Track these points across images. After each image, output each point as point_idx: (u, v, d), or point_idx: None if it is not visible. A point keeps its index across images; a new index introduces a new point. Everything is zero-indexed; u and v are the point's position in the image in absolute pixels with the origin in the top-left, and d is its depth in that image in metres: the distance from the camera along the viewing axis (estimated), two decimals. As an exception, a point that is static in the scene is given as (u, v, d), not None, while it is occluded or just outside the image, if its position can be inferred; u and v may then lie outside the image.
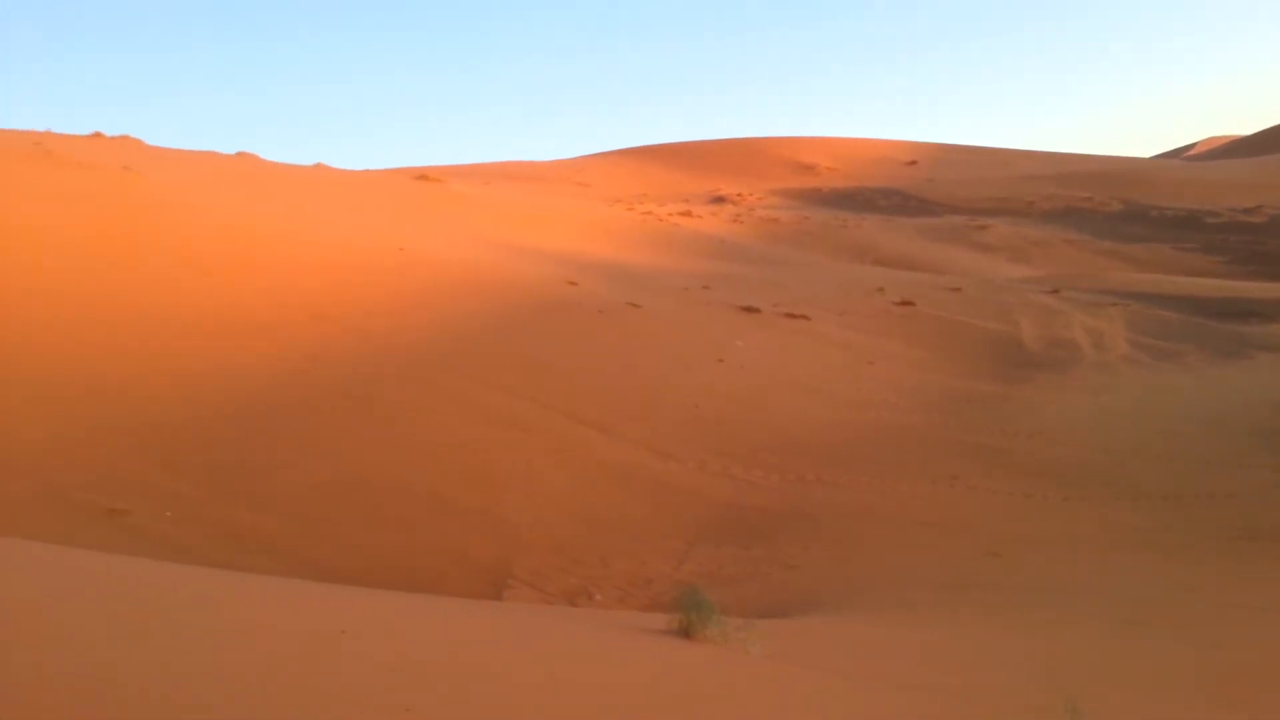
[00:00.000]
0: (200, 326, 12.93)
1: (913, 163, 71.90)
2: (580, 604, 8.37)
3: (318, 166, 36.80)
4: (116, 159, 23.15)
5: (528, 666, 4.26)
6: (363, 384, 12.58)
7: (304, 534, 8.84)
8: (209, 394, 11.08)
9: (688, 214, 45.79)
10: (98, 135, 30.40)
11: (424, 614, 5.47)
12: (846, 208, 54.48)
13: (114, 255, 14.56)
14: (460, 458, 11.20)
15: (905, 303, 26.19)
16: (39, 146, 22.30)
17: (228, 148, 45.38)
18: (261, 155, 35.02)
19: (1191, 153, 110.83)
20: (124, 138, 30.87)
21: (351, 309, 15.40)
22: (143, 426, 9.87)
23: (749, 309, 22.66)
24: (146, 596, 4.40)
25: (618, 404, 14.01)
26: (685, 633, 5.36)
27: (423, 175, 41.41)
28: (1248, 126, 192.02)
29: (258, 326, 13.51)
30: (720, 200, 54.54)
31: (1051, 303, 27.91)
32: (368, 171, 43.53)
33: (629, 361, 16.57)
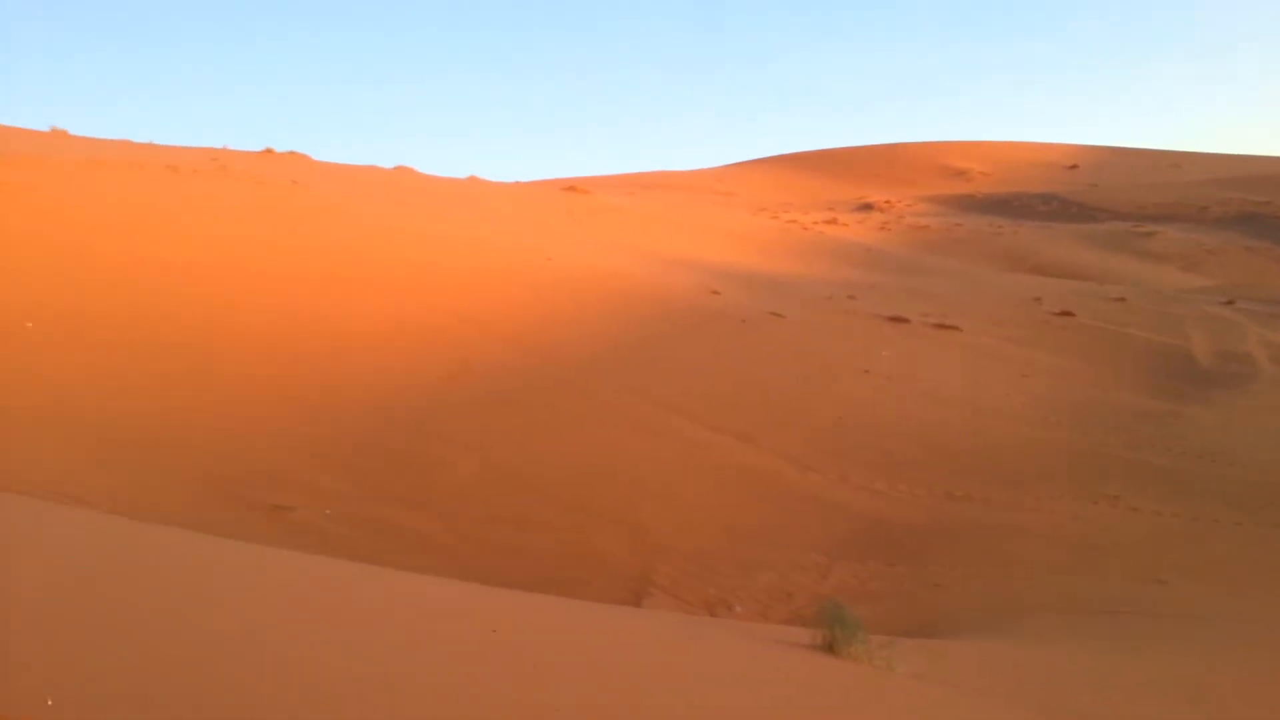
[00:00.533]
0: (361, 334, 13.59)
1: (1073, 166, 68.93)
2: (720, 614, 8.37)
3: (470, 179, 38.09)
4: (285, 173, 24.57)
5: (673, 674, 4.31)
6: (512, 389, 12.95)
7: (454, 534, 9.15)
8: (368, 397, 11.63)
9: (833, 222, 45.21)
10: (268, 151, 32.32)
11: (568, 617, 5.59)
12: (1001, 214, 52.68)
13: (281, 266, 15.47)
14: (602, 463, 11.38)
15: (1064, 313, 25.09)
16: (215, 162, 23.92)
17: (386, 162, 47.47)
18: (418, 169, 36.51)
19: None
20: (292, 153, 32.72)
21: (502, 316, 15.89)
22: (306, 427, 10.45)
23: (896, 319, 22.16)
24: (297, 591, 4.65)
25: (759, 413, 13.95)
26: (829, 648, 5.30)
27: (570, 186, 42.36)
28: None
29: (414, 333, 14.11)
30: (867, 208, 53.65)
31: (1225, 314, 26.24)
32: (518, 184, 44.77)
33: (771, 371, 16.48)
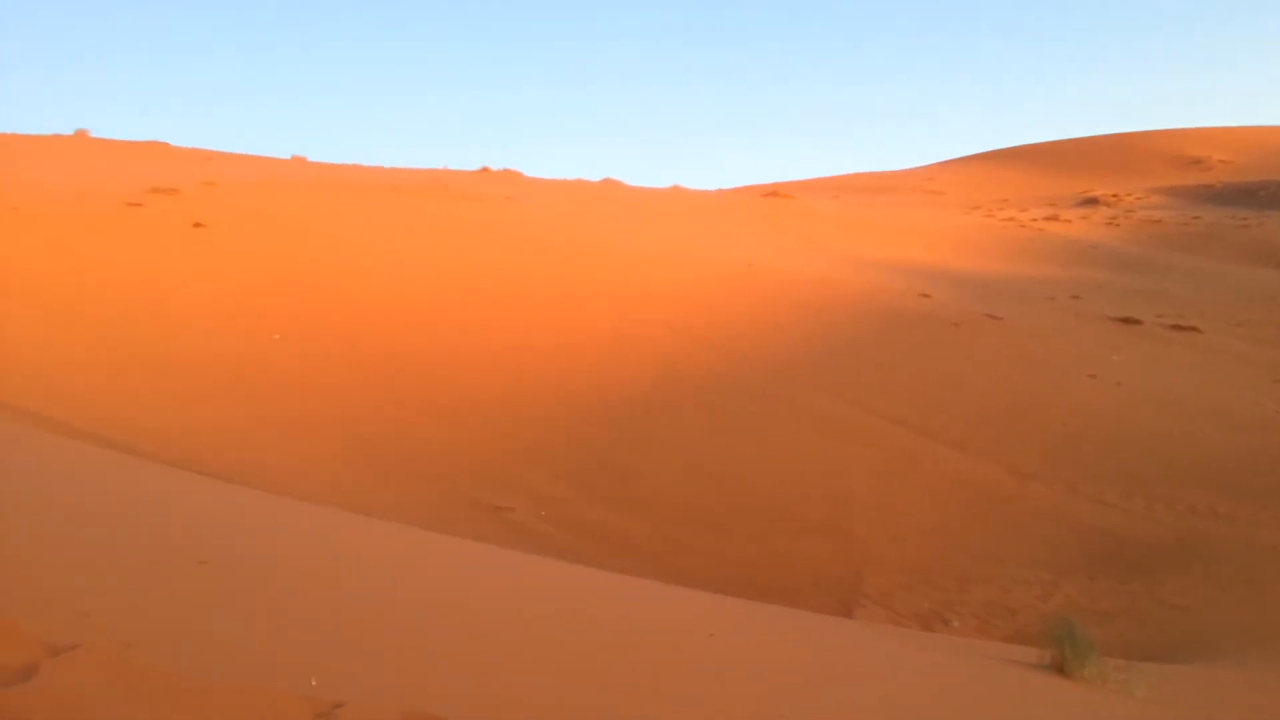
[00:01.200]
0: (575, 346, 14.04)
1: (1330, 149, 62.19)
2: (936, 629, 8.07)
3: (673, 188, 38.57)
4: (500, 190, 25.72)
5: (896, 692, 4.18)
6: (716, 396, 13.00)
7: (662, 538, 9.27)
8: (581, 405, 12.00)
9: (1054, 218, 42.78)
10: (484, 170, 33.93)
11: (783, 626, 5.53)
12: (1245, 205, 48.21)
13: (501, 286, 16.20)
14: (810, 470, 11.23)
15: (1322, 311, 22.72)
16: (436, 181, 25.35)
17: (594, 175, 48.85)
18: (624, 181, 37.32)
19: None
20: (506, 171, 34.20)
21: (706, 324, 15.99)
22: (527, 436, 10.91)
23: (1127, 320, 20.70)
24: (528, 590, 4.82)
25: (974, 420, 13.36)
26: (1059, 669, 4.99)
27: (773, 192, 42.13)
28: None
29: (625, 344, 14.43)
30: (1092, 202, 50.40)
31: None
32: (720, 191, 44.98)
33: (986, 376, 15.75)
